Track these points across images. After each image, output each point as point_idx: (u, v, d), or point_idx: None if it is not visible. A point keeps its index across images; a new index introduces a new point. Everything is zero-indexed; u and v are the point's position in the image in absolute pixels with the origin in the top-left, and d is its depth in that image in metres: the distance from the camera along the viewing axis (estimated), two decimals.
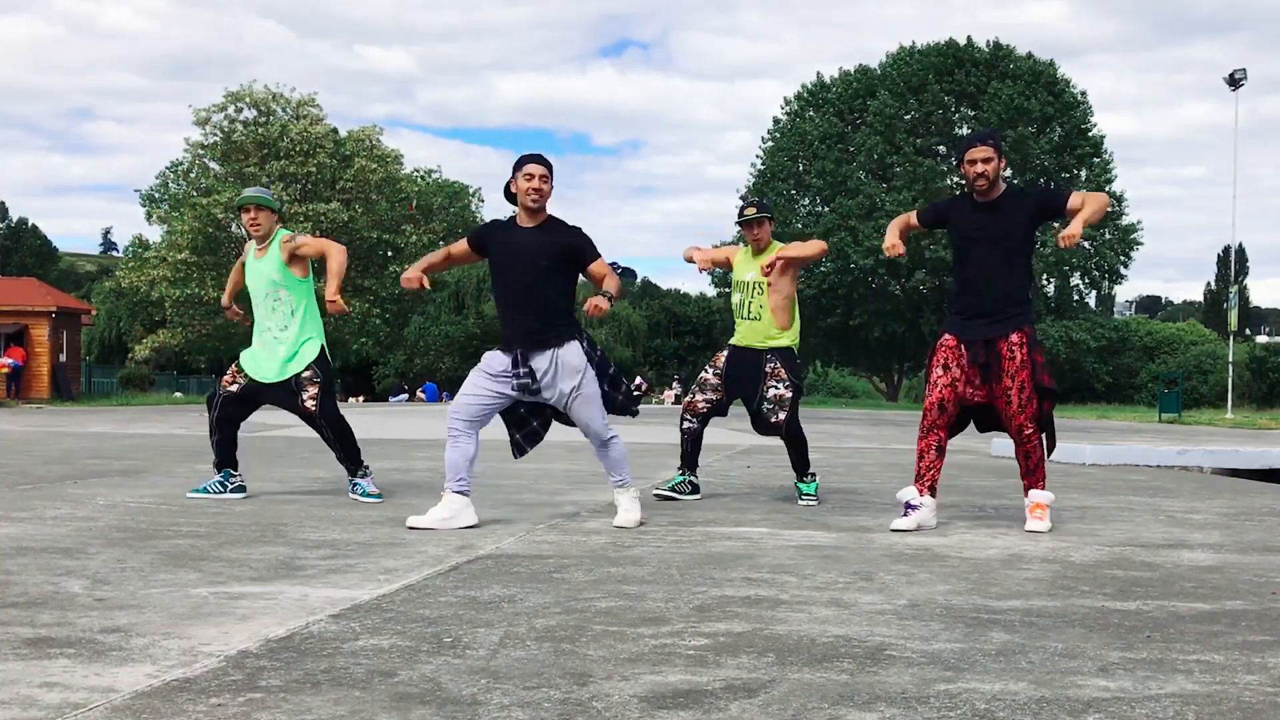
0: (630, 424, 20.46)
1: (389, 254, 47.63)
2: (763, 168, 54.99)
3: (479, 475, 8.35)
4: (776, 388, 6.63)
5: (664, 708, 2.50)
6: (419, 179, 50.80)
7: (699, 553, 4.78)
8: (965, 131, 48.76)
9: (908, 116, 52.78)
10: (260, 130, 44.52)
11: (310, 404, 6.42)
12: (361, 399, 51.42)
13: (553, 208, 5.60)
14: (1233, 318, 35.76)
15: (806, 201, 54.62)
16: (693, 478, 6.97)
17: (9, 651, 2.91)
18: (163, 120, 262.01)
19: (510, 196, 5.58)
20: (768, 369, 6.64)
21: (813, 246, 6.83)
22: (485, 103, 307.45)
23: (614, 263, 5.70)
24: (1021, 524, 5.80)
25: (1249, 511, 6.90)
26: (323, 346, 6.52)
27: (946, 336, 5.74)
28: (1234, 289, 36.87)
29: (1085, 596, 3.91)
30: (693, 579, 4.13)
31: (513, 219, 5.60)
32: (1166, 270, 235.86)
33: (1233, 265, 40.19)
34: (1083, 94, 53.12)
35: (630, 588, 3.93)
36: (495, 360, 5.52)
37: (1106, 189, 52.30)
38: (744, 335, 6.77)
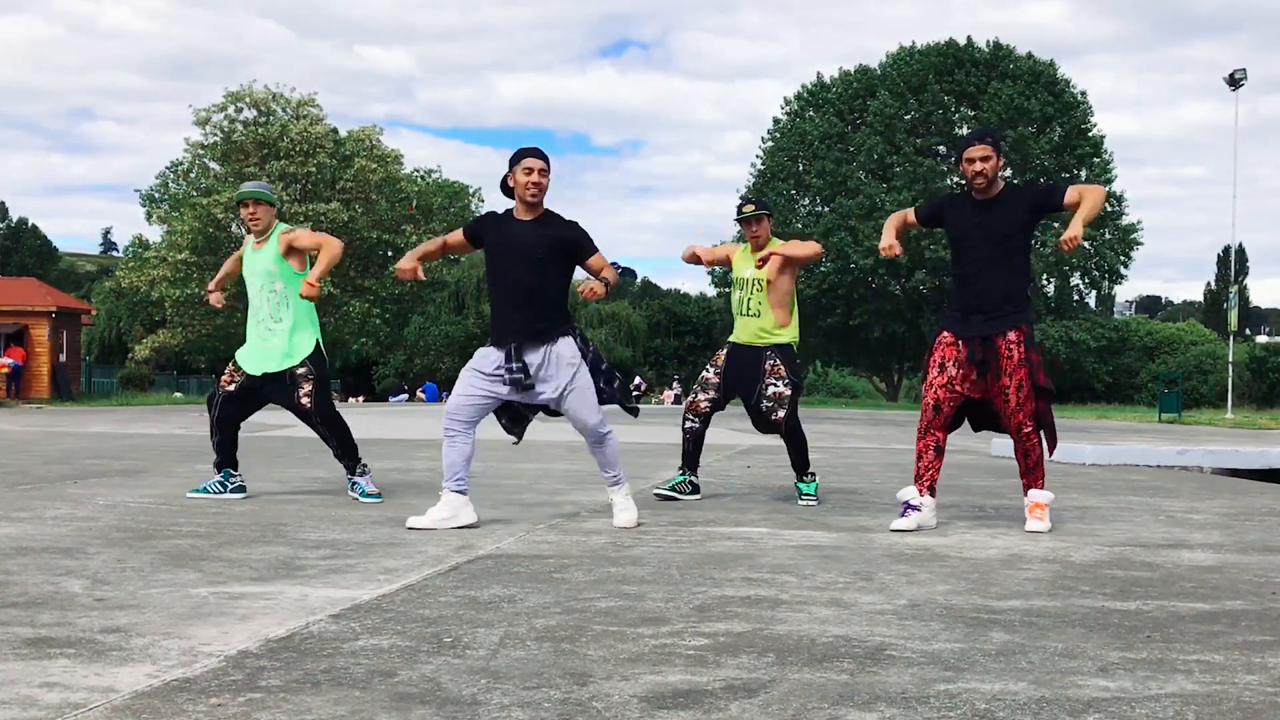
0: (630, 424, 20.45)
1: (389, 254, 47.61)
2: (763, 168, 54.99)
3: (479, 475, 8.35)
4: (776, 385, 6.64)
5: (664, 708, 2.50)
6: (419, 179, 50.81)
7: (699, 553, 4.78)
8: (965, 131, 48.75)
9: (908, 116, 52.79)
10: (260, 130, 44.54)
11: (305, 401, 6.42)
12: (361, 399, 51.43)
13: (552, 207, 5.60)
14: (1233, 318, 35.76)
15: (806, 201, 54.63)
16: (693, 478, 6.97)
17: (9, 651, 2.91)
18: (163, 120, 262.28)
19: (507, 190, 5.57)
20: (767, 366, 6.65)
21: (809, 248, 6.81)
22: (485, 103, 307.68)
23: (614, 263, 5.70)
24: (1021, 524, 5.80)
25: (1249, 511, 6.90)
26: (317, 341, 6.52)
27: (944, 334, 5.73)
28: (1234, 289, 36.88)
29: (1085, 596, 3.91)
30: (693, 579, 4.13)
31: (509, 212, 5.59)
32: (1166, 270, 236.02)
33: (1233, 265, 40.19)
34: (1083, 94, 53.15)
35: (630, 588, 3.93)
36: (488, 357, 5.50)
37: (1107, 189, 52.32)
38: (743, 332, 6.77)
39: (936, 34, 69.65)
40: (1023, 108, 50.44)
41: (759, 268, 6.63)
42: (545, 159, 5.51)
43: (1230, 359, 35.87)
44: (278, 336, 6.43)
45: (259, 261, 6.51)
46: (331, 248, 6.46)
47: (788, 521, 5.96)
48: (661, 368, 67.42)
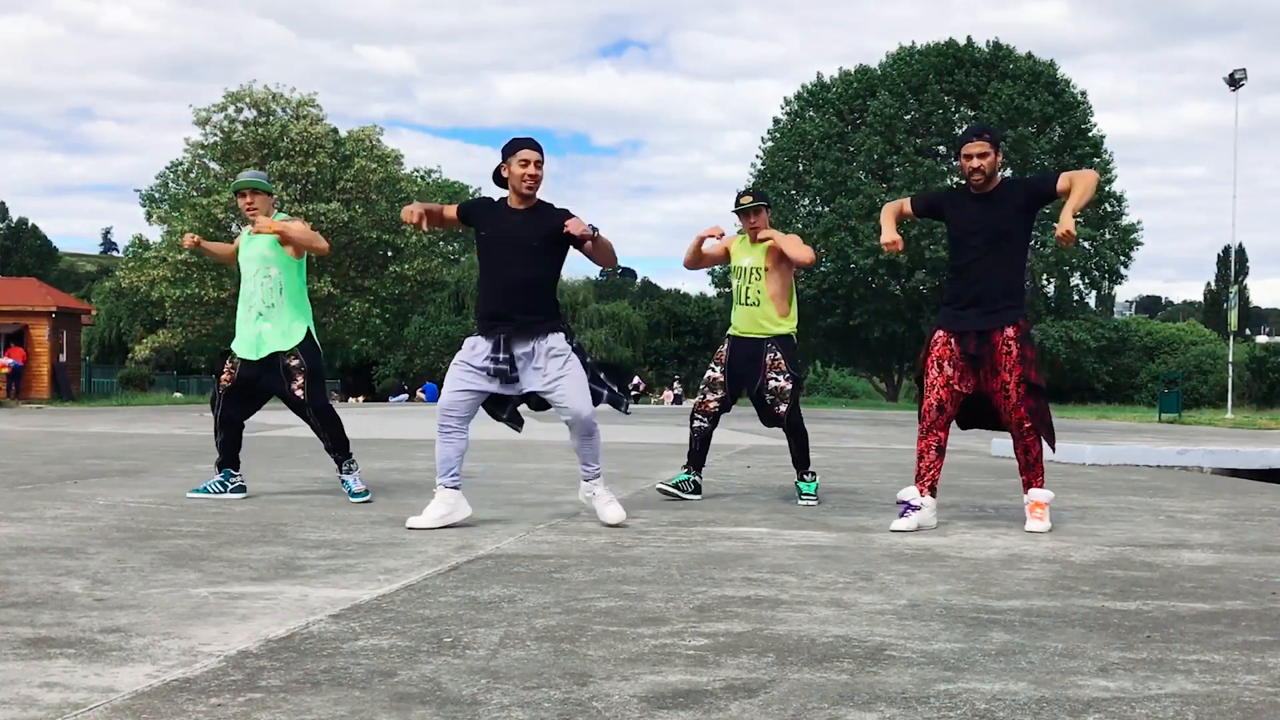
0: (631, 424, 20.44)
1: (389, 254, 47.62)
2: (763, 168, 55.00)
3: (479, 475, 8.36)
4: (777, 380, 6.65)
5: (664, 708, 2.50)
6: (419, 179, 50.78)
7: (699, 553, 4.78)
8: None
9: (908, 116, 52.80)
10: (260, 130, 44.52)
11: (299, 393, 6.41)
12: (361, 399, 51.42)
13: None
14: (1233, 318, 35.77)
15: (806, 201, 54.64)
16: (696, 477, 6.98)
17: (9, 651, 2.91)
18: (163, 120, 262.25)
19: (500, 181, 5.55)
20: (768, 360, 6.66)
21: (804, 251, 6.77)
22: (485, 103, 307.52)
23: (618, 269, 5.70)
24: (1021, 524, 5.80)
25: (1249, 511, 6.90)
26: (309, 330, 6.51)
27: (940, 333, 5.74)
28: (1234, 289, 36.88)
29: (1085, 596, 3.91)
30: (693, 579, 4.13)
31: (503, 200, 5.58)
32: (1166, 270, 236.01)
33: (1233, 265, 40.20)
34: (1083, 94, 53.16)
35: (630, 588, 3.93)
36: (475, 348, 5.47)
37: (1106, 189, 52.34)
38: (743, 322, 6.77)
39: (936, 34, 69.73)
40: (1023, 108, 50.45)
41: (758, 241, 6.67)
42: (541, 150, 5.50)
43: (1230, 359, 35.87)
44: (269, 322, 6.43)
45: (255, 247, 6.52)
46: (319, 240, 6.47)
47: (788, 521, 5.96)
48: (661, 368, 67.44)
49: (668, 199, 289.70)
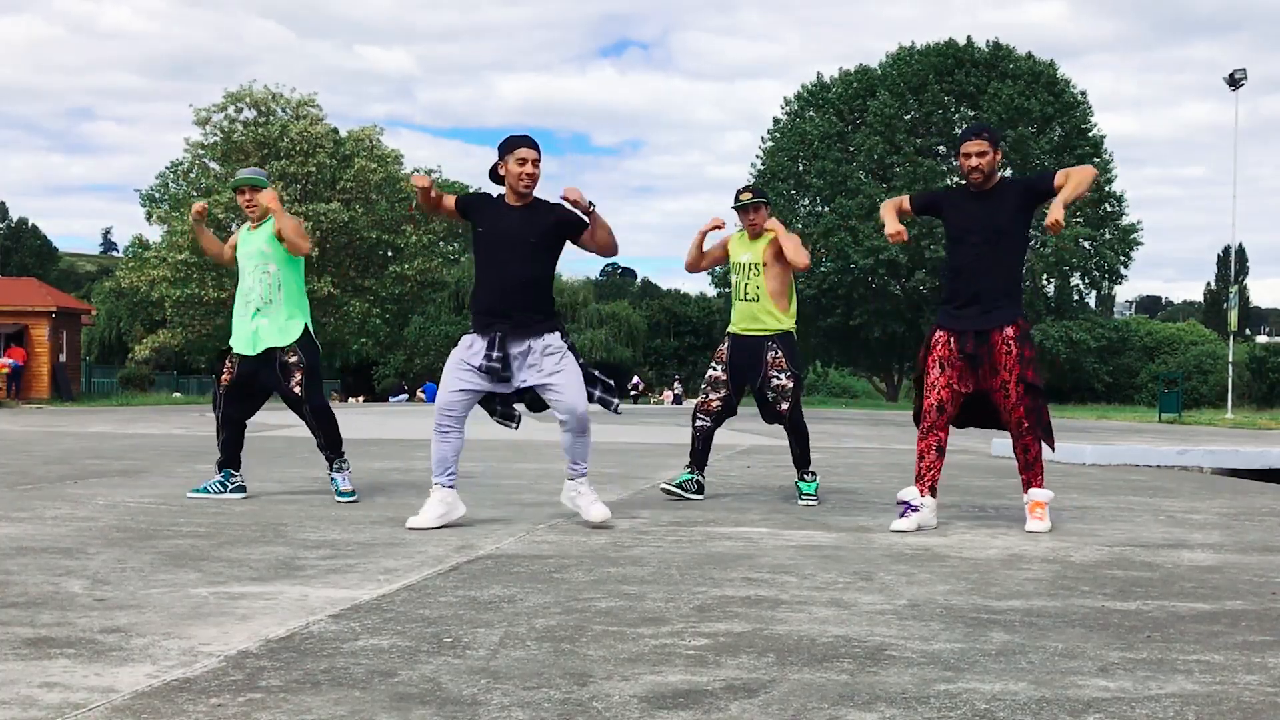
0: (631, 424, 20.44)
1: (389, 254, 47.59)
2: (763, 168, 55.01)
3: (479, 475, 8.36)
4: (779, 378, 6.65)
5: (664, 708, 2.50)
6: None
7: (699, 553, 4.78)
8: None
9: (908, 116, 52.81)
10: (260, 130, 44.51)
11: (297, 389, 6.41)
12: (361, 399, 51.41)
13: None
14: (1233, 318, 35.78)
15: (806, 201, 54.65)
16: (700, 477, 6.98)
17: (9, 651, 2.91)
18: (163, 120, 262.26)
19: (496, 179, 5.54)
20: (769, 358, 6.66)
21: (803, 256, 6.77)
22: (485, 103, 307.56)
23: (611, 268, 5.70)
24: (1021, 524, 5.80)
25: (1249, 511, 6.90)
26: (307, 326, 6.51)
27: (939, 334, 5.73)
28: (1234, 289, 36.89)
29: (1085, 596, 3.91)
30: (693, 579, 4.13)
31: (501, 197, 5.56)
32: (1166, 270, 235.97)
33: (1233, 265, 40.22)
34: (1083, 94, 53.18)
35: (630, 588, 3.93)
36: (472, 346, 5.46)
37: (1106, 189, 52.36)
38: (743, 319, 6.76)
39: (936, 34, 69.73)
40: (1023, 108, 50.46)
41: (764, 232, 6.66)
42: (538, 148, 5.50)
43: (1230, 359, 35.88)
44: (267, 318, 6.43)
45: (253, 242, 6.51)
46: (303, 241, 6.44)
47: (788, 521, 5.96)
48: (661, 368, 67.46)
49: (668, 199, 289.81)
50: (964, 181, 5.81)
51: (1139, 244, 53.36)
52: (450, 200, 5.70)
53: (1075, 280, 54.96)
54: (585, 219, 5.50)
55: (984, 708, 2.53)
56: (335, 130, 46.42)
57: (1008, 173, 39.70)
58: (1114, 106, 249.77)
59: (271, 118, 45.16)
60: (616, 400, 5.69)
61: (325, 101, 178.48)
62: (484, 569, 4.28)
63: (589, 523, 5.55)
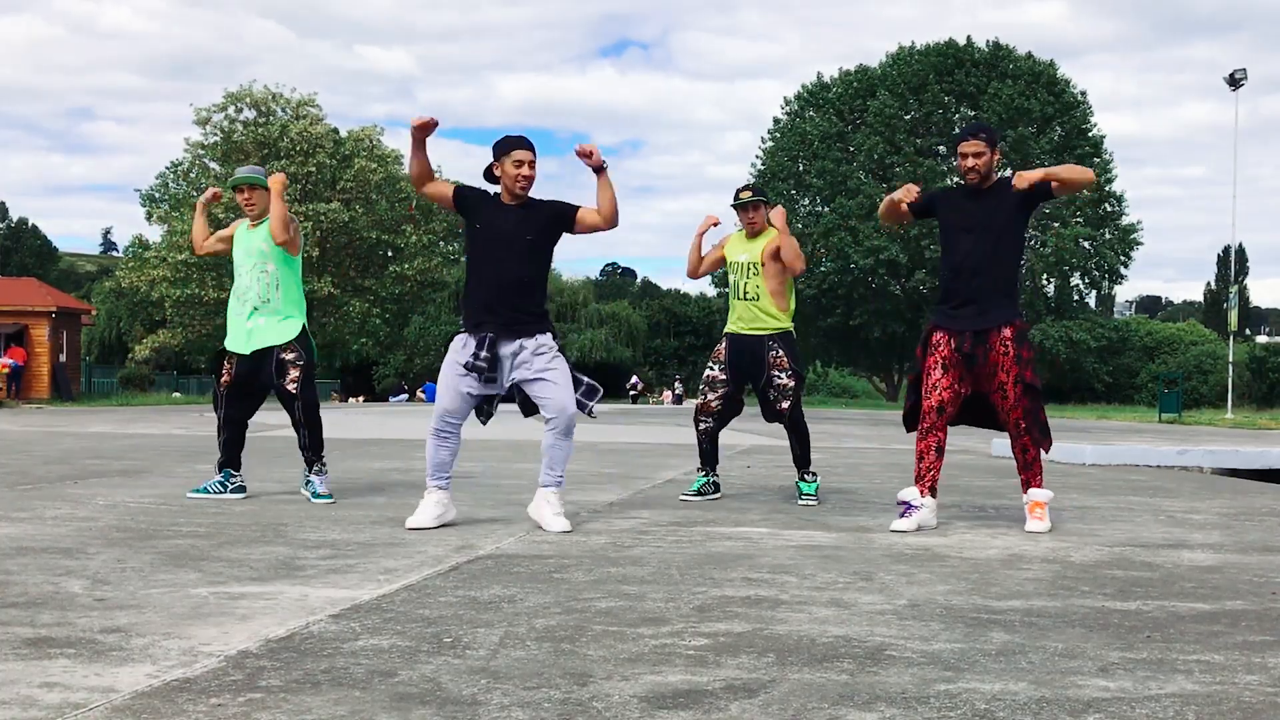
0: (631, 424, 20.43)
1: (389, 254, 47.59)
2: (763, 168, 55.03)
3: (480, 475, 8.37)
4: (780, 377, 6.65)
5: (664, 708, 2.50)
6: None
7: (699, 553, 4.78)
8: None
9: (908, 116, 52.83)
10: (260, 130, 44.53)
11: (292, 386, 6.40)
12: (361, 399, 51.40)
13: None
14: (1233, 318, 35.78)
15: (806, 201, 54.66)
16: (715, 478, 6.98)
17: (9, 651, 2.91)
18: (163, 120, 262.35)
19: (492, 178, 5.52)
20: (770, 357, 6.65)
21: (799, 261, 6.75)
22: (485, 103, 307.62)
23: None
24: (1021, 524, 5.80)
25: (1249, 511, 6.90)
26: (304, 327, 6.51)
27: (938, 334, 5.72)
28: (1234, 289, 36.89)
29: (1085, 596, 3.91)
30: (693, 579, 4.13)
31: (497, 196, 5.54)
32: (1166, 270, 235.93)
33: (1233, 265, 40.22)
34: (1083, 94, 53.19)
35: (630, 588, 3.93)
36: (467, 345, 5.45)
37: (1106, 189, 52.36)
38: (742, 318, 6.74)
39: (936, 34, 69.72)
40: (1023, 108, 50.48)
41: (751, 237, 6.64)
42: (534, 149, 5.49)
43: (1230, 359, 35.88)
44: (264, 317, 6.42)
45: (252, 241, 6.51)
46: (282, 232, 6.42)
47: (788, 521, 5.96)
48: (661, 368, 67.46)
49: (668, 199, 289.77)
50: (962, 181, 5.81)
51: (1139, 244, 53.39)
52: (448, 188, 5.65)
53: (1075, 280, 54.99)
54: (574, 207, 5.50)
55: (984, 708, 2.53)
56: (335, 130, 46.43)
57: (1007, 172, 39.70)
58: (1114, 106, 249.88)
59: (271, 118, 45.17)
60: (591, 404, 5.58)
61: (325, 101, 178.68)
62: (484, 569, 4.28)
63: (549, 530, 5.36)
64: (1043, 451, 5.76)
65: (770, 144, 55.62)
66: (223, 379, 6.54)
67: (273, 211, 6.42)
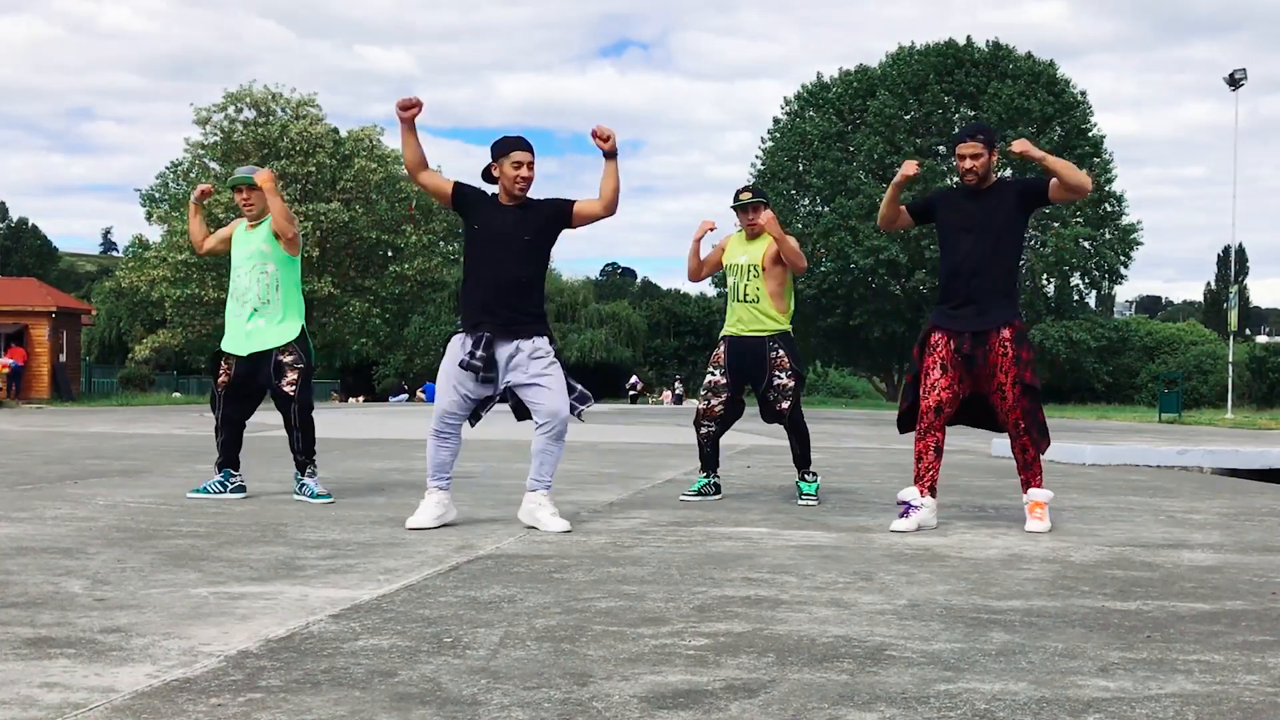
0: (631, 424, 20.43)
1: (389, 254, 47.58)
2: (763, 168, 55.00)
3: (480, 475, 8.37)
4: (780, 377, 6.64)
5: (664, 708, 2.50)
6: None
7: (699, 553, 4.78)
8: None
9: (908, 116, 52.82)
10: (260, 130, 44.52)
11: (289, 389, 6.39)
12: (361, 399, 51.40)
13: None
14: (1233, 318, 35.78)
15: (806, 201, 54.64)
16: (715, 479, 6.98)
17: (9, 651, 2.91)
18: (163, 120, 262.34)
19: (490, 179, 5.51)
20: (771, 358, 6.64)
21: (800, 259, 6.74)
22: (485, 103, 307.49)
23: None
24: (1021, 524, 5.80)
25: (1249, 511, 6.90)
26: (303, 328, 6.50)
27: (937, 334, 5.71)
28: (1234, 289, 36.90)
29: (1085, 596, 3.91)
30: (693, 579, 4.13)
31: (495, 196, 5.53)
32: (1166, 270, 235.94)
33: (1233, 265, 40.24)
34: (1082, 94, 53.17)
35: (630, 588, 3.93)
36: (464, 346, 5.44)
37: (1106, 189, 52.35)
38: (741, 320, 6.72)
39: (936, 34, 69.69)
40: (1023, 108, 50.46)
41: (763, 227, 6.61)
42: (532, 150, 5.48)
43: (1230, 359, 35.89)
44: (264, 318, 6.41)
45: (251, 242, 6.50)
46: (290, 226, 6.44)
47: (788, 521, 5.96)
48: (661, 368, 67.45)
49: (668, 199, 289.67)
50: (961, 182, 5.81)
51: (1139, 244, 53.36)
52: (447, 184, 5.61)
53: (1075, 280, 54.96)
54: (570, 201, 5.50)
55: (984, 708, 2.53)
56: (335, 130, 46.42)
57: (1007, 172, 39.73)
58: (1114, 106, 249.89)
59: (271, 118, 45.16)
60: (582, 409, 5.57)
61: (325, 101, 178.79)
62: (484, 569, 4.28)
63: (548, 531, 5.37)
64: (1040, 451, 5.76)
65: (770, 144, 55.59)
66: (220, 379, 6.54)
67: (272, 207, 6.42)
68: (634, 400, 56.86)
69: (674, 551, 4.81)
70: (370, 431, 15.82)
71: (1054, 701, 2.59)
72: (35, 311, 34.37)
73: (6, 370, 31.39)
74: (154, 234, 47.74)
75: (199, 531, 5.20)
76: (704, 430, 6.86)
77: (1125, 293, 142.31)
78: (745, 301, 6.72)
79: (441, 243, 50.84)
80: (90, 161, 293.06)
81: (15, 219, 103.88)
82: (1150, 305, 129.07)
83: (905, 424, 5.93)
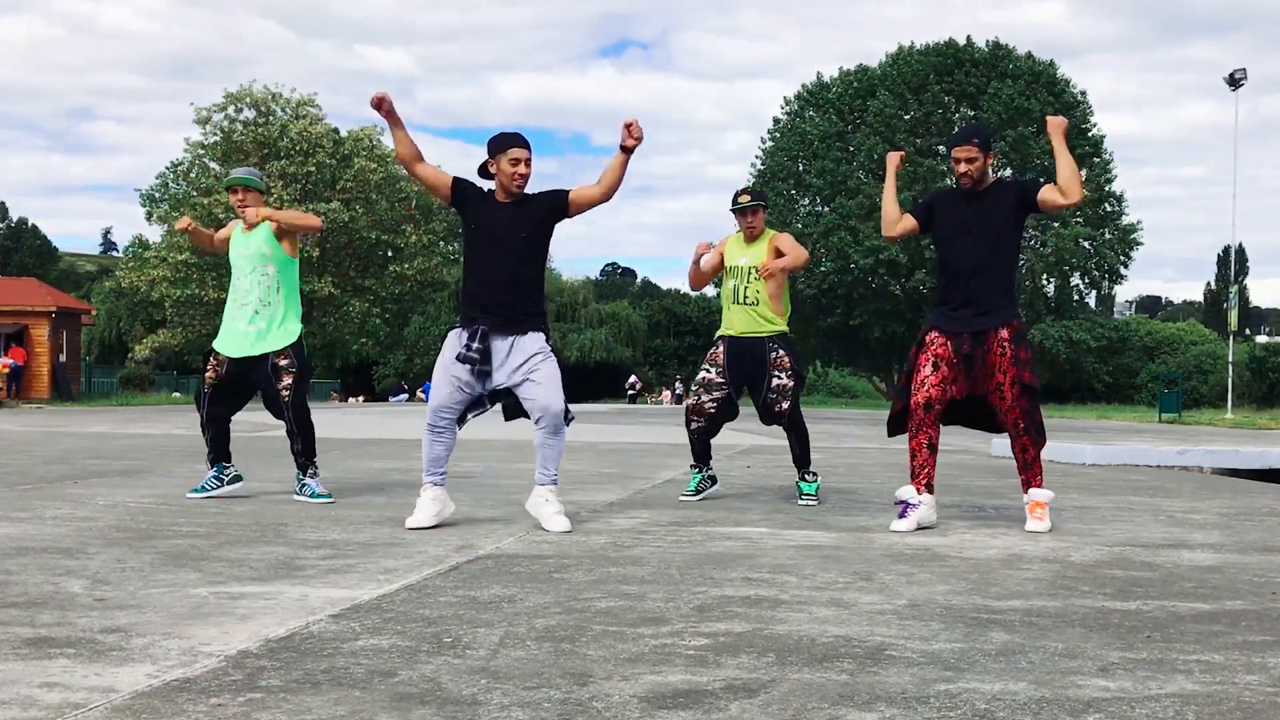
0: (631, 424, 20.44)
1: (389, 254, 47.60)
2: (763, 168, 54.98)
3: (480, 475, 8.37)
4: (780, 377, 6.62)
5: (664, 708, 2.50)
6: None
7: (699, 553, 4.78)
8: None
9: (908, 116, 52.81)
10: (260, 130, 44.54)
11: (285, 393, 6.38)
12: (361, 399, 51.40)
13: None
14: (1233, 318, 35.79)
15: (806, 201, 54.62)
16: (710, 472, 6.97)
17: (9, 651, 2.91)
18: (163, 120, 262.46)
19: (486, 175, 5.50)
20: (772, 358, 6.63)
21: (802, 252, 6.73)
22: (485, 103, 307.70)
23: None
24: (1021, 524, 5.80)
25: (1249, 511, 6.90)
26: (301, 332, 6.50)
27: (934, 334, 5.71)
28: (1234, 289, 36.90)
29: (1085, 596, 3.91)
30: (693, 579, 4.13)
31: (492, 193, 5.52)
32: (1166, 270, 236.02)
33: (1233, 265, 40.24)
34: (1083, 94, 53.14)
35: (630, 588, 3.93)
36: (461, 340, 5.44)
37: (1106, 189, 52.36)
38: (740, 322, 6.70)
39: (936, 34, 69.61)
40: (1023, 108, 50.43)
41: (763, 276, 6.55)
42: (529, 147, 5.47)
43: (1230, 359, 35.89)
44: (264, 320, 6.40)
45: (251, 244, 6.48)
46: (310, 219, 6.48)
47: (788, 521, 5.96)
48: (661, 368, 67.51)
49: (668, 199, 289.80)
50: (957, 183, 5.81)
51: (1139, 244, 53.30)
52: (445, 178, 5.59)
53: (1075, 280, 54.90)
54: (564, 191, 5.51)
55: (984, 708, 2.53)
56: (335, 130, 46.44)
57: (1007, 172, 39.73)
58: (1114, 106, 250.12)
59: (271, 118, 45.18)
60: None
61: (325, 101, 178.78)
62: (484, 569, 4.28)
63: (550, 530, 5.37)
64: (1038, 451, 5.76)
65: (770, 144, 55.57)
66: (207, 375, 6.51)
67: (283, 221, 6.40)
68: (633, 400, 56.87)
69: (674, 551, 4.81)
70: (370, 431, 15.82)
71: (1054, 701, 2.59)
72: (35, 311, 34.37)
73: (6, 370, 31.39)
74: (154, 234, 47.78)
75: (199, 531, 5.20)
76: (694, 426, 6.80)
77: (1125, 293, 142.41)
78: (745, 304, 6.69)
79: (441, 242, 50.88)
80: (90, 161, 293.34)
81: (15, 219, 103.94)
82: (1150, 305, 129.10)
83: (894, 427, 5.92)
